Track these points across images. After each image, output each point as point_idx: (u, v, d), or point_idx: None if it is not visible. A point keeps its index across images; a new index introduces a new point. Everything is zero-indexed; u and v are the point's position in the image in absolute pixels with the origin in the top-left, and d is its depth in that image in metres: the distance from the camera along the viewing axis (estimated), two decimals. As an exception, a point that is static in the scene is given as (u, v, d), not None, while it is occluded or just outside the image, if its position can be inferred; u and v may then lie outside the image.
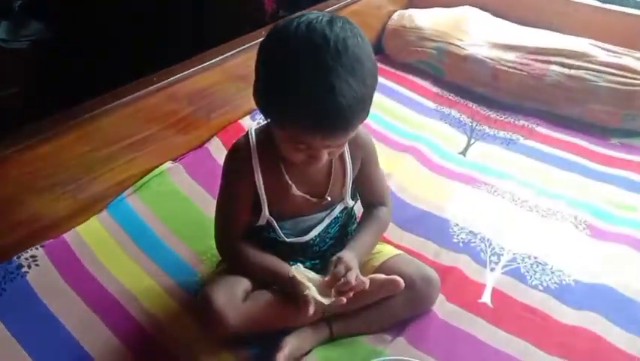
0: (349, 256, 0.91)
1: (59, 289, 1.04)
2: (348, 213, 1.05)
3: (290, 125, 0.79)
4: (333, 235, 1.03)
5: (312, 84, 0.73)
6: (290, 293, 0.91)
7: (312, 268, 0.98)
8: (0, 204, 1.07)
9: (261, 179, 0.92)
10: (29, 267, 1.07)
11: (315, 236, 0.99)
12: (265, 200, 0.94)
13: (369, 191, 1.03)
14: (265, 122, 0.90)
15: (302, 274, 0.90)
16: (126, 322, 1.00)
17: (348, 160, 0.96)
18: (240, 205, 0.95)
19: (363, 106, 0.78)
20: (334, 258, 0.91)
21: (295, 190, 0.93)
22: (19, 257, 1.08)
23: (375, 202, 1.04)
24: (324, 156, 0.83)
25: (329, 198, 0.96)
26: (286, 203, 0.95)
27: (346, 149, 0.94)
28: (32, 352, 0.93)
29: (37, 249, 1.10)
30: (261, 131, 0.94)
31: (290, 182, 0.93)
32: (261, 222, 0.96)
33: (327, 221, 0.99)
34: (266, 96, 0.81)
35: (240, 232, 0.98)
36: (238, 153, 0.94)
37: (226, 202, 0.98)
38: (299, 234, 0.98)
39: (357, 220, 1.08)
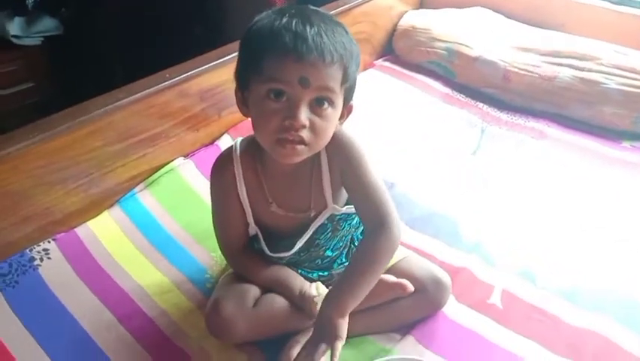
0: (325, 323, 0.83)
1: (71, 283, 1.05)
2: (343, 221, 0.96)
3: (266, 59, 0.77)
4: (331, 245, 0.98)
5: (285, 19, 0.77)
6: (299, 306, 0.92)
7: (318, 280, 0.98)
8: (13, 197, 1.08)
9: (244, 190, 0.92)
10: (41, 260, 1.08)
11: (303, 247, 0.95)
12: (250, 211, 0.93)
13: (363, 203, 0.90)
14: (249, 135, 0.90)
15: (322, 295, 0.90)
16: (137, 317, 1.00)
17: (324, 165, 0.91)
18: (232, 216, 0.94)
19: (339, 46, 0.78)
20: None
21: (275, 208, 0.92)
22: (31, 250, 1.09)
23: (375, 222, 0.88)
24: (303, 112, 0.77)
25: (313, 213, 0.93)
26: (271, 219, 0.95)
27: (324, 154, 0.90)
28: (45, 345, 0.94)
29: (49, 242, 1.12)
30: (246, 142, 0.93)
31: (270, 199, 0.92)
32: (252, 232, 0.96)
33: (311, 230, 0.94)
34: (245, 48, 0.83)
35: (241, 242, 0.97)
36: (222, 165, 0.93)
37: (219, 215, 0.97)
38: (286, 247, 0.95)
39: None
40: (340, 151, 0.90)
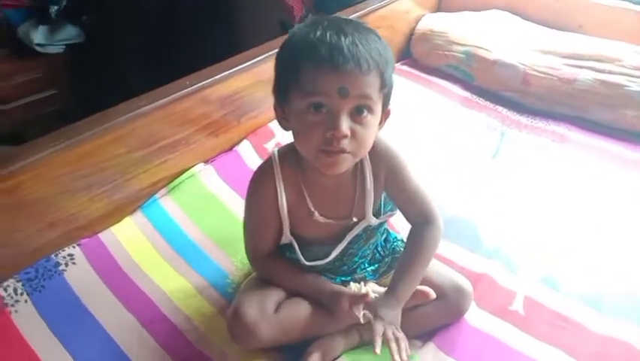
0: (386, 311, 0.87)
1: (96, 288, 1.07)
2: (375, 229, 0.99)
3: (304, 73, 0.78)
4: (360, 253, 1.00)
5: (319, 32, 0.78)
6: (328, 302, 0.92)
7: (342, 284, 0.98)
8: (39, 203, 1.09)
9: (284, 201, 0.92)
10: (67, 265, 1.10)
11: (337, 257, 0.97)
12: (287, 221, 0.93)
13: (407, 206, 0.96)
14: (287, 144, 0.91)
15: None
16: (160, 321, 1.01)
17: (368, 174, 0.92)
18: (266, 227, 0.95)
19: (374, 53, 0.78)
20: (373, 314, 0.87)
21: (318, 217, 0.93)
22: (56, 255, 1.11)
23: (420, 220, 0.95)
24: (344, 122, 0.78)
25: (355, 219, 0.94)
26: (309, 228, 0.95)
27: (367, 164, 0.92)
28: (70, 348, 0.96)
29: (74, 248, 1.13)
30: (284, 152, 0.93)
31: (312, 208, 0.92)
32: (284, 241, 0.97)
33: (347, 240, 0.95)
34: (282, 63, 0.84)
35: (270, 250, 0.98)
36: (262, 175, 0.93)
37: (252, 223, 0.97)
38: (322, 256, 0.96)
39: (392, 231, 1.07)
40: (384, 160, 0.92)
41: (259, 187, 0.94)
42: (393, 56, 0.84)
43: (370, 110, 0.81)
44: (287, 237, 0.95)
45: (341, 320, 0.92)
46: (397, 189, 0.95)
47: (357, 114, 0.80)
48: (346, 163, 0.83)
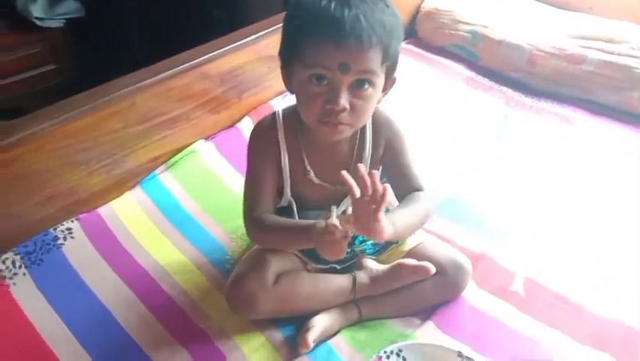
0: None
1: (94, 262, 1.07)
2: None
3: (305, 45, 0.78)
4: None
5: (324, 1, 0.77)
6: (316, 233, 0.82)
7: (341, 259, 0.97)
8: (37, 176, 1.09)
9: (286, 158, 0.92)
10: (65, 239, 1.10)
11: None
12: (289, 180, 0.93)
13: (400, 181, 0.95)
14: (290, 105, 0.90)
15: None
16: (159, 296, 1.01)
17: (368, 143, 0.93)
18: (267, 183, 0.94)
19: (378, 27, 0.77)
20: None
21: (313, 177, 0.92)
22: (55, 229, 1.11)
23: (411, 190, 0.94)
24: (343, 96, 0.79)
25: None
26: (305, 191, 0.94)
27: (369, 133, 0.92)
28: (68, 320, 0.96)
29: (72, 222, 1.13)
30: (288, 112, 0.93)
31: (308, 168, 0.92)
32: (283, 203, 0.96)
33: (343, 207, 0.94)
34: (287, 30, 0.84)
35: (267, 208, 0.94)
36: (265, 131, 0.93)
37: (253, 180, 0.95)
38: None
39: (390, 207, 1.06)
40: (385, 132, 0.94)
41: (261, 139, 0.93)
42: (401, 23, 0.83)
43: (371, 83, 0.81)
44: (287, 197, 0.95)
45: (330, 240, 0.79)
46: (393, 163, 0.96)
47: (357, 87, 0.81)
48: (344, 132, 0.85)
